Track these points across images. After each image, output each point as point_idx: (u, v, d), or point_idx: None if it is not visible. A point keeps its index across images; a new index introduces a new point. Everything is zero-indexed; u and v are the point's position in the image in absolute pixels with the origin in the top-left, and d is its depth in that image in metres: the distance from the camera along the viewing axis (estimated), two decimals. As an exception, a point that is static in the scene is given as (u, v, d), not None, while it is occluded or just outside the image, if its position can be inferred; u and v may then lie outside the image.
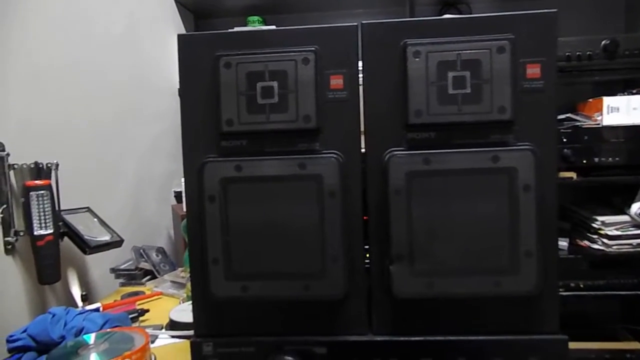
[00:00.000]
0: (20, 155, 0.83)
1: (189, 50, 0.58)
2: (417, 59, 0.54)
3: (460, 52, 0.53)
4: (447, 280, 0.53)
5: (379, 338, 0.57)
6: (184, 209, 1.23)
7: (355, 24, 0.56)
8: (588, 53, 1.29)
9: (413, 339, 0.56)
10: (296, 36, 0.56)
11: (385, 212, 0.54)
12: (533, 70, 0.53)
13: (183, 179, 1.31)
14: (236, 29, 1.45)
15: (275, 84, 0.55)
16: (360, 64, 0.57)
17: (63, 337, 0.69)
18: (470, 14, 1.56)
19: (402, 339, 0.56)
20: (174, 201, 1.42)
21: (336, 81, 0.56)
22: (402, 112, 0.55)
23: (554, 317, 0.55)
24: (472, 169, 0.53)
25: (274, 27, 1.48)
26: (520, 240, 0.52)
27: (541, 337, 0.54)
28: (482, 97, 0.53)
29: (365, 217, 0.57)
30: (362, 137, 0.57)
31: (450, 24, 0.55)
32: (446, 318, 0.56)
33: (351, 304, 0.57)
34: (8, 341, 0.69)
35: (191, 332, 0.61)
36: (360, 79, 0.57)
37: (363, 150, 0.57)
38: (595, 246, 1.26)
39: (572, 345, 0.54)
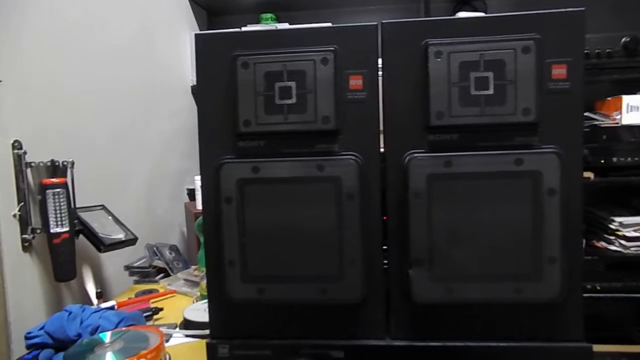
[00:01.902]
0: (37, 153, 0.83)
1: (206, 50, 0.57)
2: (438, 59, 0.52)
3: (483, 52, 0.52)
4: (467, 286, 0.52)
5: (397, 343, 0.56)
6: (197, 207, 1.24)
7: (375, 23, 0.55)
8: (608, 51, 1.26)
9: (432, 344, 0.55)
10: (315, 35, 0.56)
11: (404, 215, 0.53)
12: (559, 71, 0.52)
13: (196, 178, 1.31)
14: (249, 26, 1.45)
15: (293, 84, 0.54)
16: (380, 63, 0.56)
17: (79, 335, 0.69)
18: (486, 10, 1.54)
19: (420, 344, 0.55)
20: (186, 199, 1.42)
21: (355, 81, 0.55)
22: (422, 113, 0.54)
23: (578, 324, 0.54)
24: (495, 172, 0.51)
25: (287, 24, 1.48)
26: (544, 245, 0.51)
27: (565, 345, 0.53)
28: (506, 99, 0.52)
29: (384, 217, 0.56)
30: (382, 138, 0.56)
31: (473, 23, 0.53)
32: (466, 324, 0.55)
33: (369, 308, 0.56)
34: (26, 338, 0.70)
35: (205, 332, 0.61)
36: (380, 79, 0.56)
37: (382, 150, 0.56)
38: (613, 247, 1.24)
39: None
